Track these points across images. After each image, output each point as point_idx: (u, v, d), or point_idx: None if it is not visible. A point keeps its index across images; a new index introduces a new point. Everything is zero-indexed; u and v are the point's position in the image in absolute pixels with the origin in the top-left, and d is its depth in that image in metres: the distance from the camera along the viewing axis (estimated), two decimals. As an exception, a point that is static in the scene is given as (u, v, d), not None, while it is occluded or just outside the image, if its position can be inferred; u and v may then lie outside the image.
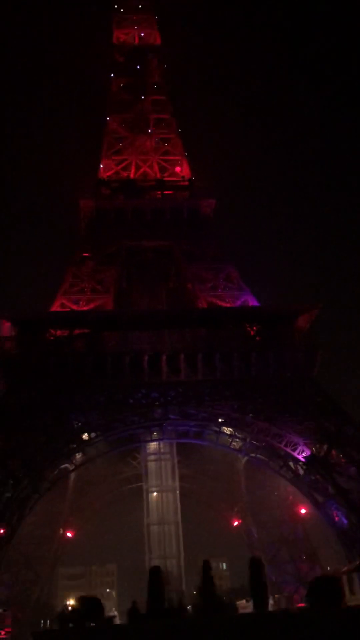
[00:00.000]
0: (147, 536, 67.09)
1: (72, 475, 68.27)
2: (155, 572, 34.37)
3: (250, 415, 56.82)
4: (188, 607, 36.70)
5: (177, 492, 69.43)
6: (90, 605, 34.16)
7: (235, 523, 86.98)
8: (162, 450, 71.52)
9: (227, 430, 62.38)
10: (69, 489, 74.79)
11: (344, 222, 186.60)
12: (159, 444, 70.71)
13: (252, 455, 61.61)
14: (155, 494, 69.33)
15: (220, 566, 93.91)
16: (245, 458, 75.32)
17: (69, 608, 36.45)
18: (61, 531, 77.84)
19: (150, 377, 58.21)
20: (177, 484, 69.91)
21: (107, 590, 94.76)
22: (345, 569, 48.15)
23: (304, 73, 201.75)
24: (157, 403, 57.68)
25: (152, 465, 71.14)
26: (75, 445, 58.66)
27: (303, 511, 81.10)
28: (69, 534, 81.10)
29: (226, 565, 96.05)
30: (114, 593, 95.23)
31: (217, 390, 57.99)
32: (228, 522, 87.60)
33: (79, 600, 33.95)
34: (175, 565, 64.97)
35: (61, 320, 61.78)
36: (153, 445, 71.23)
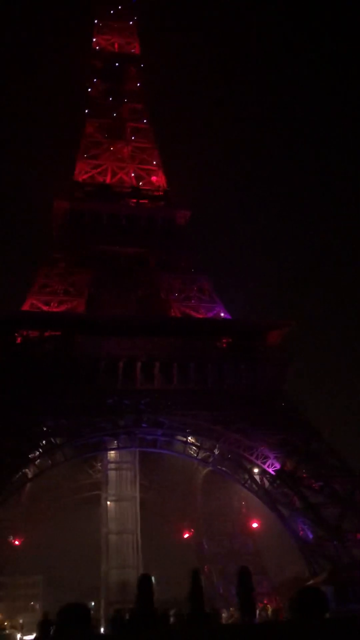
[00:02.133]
0: (106, 546, 65.87)
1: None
2: (145, 579, 33.74)
3: (221, 426, 56.98)
4: (171, 617, 36.23)
5: (138, 501, 68.60)
6: (76, 614, 33.04)
7: (186, 535, 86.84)
8: (123, 458, 70.74)
9: (195, 440, 62.36)
10: (24, 495, 72.77)
11: (317, 237, 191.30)
12: (118, 453, 69.94)
13: (218, 467, 61.70)
14: (114, 502, 68.24)
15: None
16: (206, 470, 75.73)
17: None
18: (11, 538, 75.56)
19: (124, 383, 57.71)
20: (137, 493, 69.10)
21: (31, 603, 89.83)
22: (311, 582, 48.80)
23: (283, 84, 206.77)
24: (129, 410, 57.05)
25: (112, 474, 70.03)
26: (41, 450, 57.27)
27: (255, 525, 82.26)
28: (16, 542, 78.75)
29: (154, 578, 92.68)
30: (37, 606, 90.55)
31: (190, 399, 58.05)
32: (180, 533, 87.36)
33: (62, 609, 32.78)
34: (135, 575, 63.95)
35: (35, 320, 60.52)
36: (113, 454, 70.32)
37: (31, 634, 67.11)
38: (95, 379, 57.44)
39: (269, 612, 60.16)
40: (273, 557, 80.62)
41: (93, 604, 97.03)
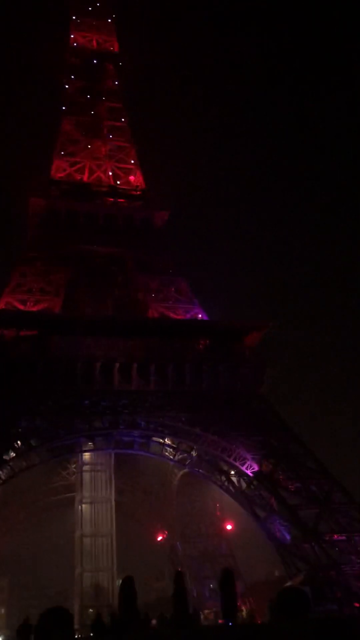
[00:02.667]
0: (80, 549, 65.07)
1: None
2: (128, 582, 33.27)
3: (200, 428, 56.68)
4: (153, 620, 35.83)
5: (113, 503, 67.96)
6: (56, 618, 32.38)
7: (160, 537, 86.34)
8: (98, 460, 70.03)
9: (172, 442, 61.92)
10: (-5, 498, 71.40)
11: (297, 238, 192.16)
12: (93, 455, 69.20)
13: (195, 469, 61.42)
14: (89, 505, 67.45)
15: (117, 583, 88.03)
16: (181, 472, 75.38)
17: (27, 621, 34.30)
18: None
19: (101, 384, 56.99)
20: (112, 495, 68.47)
21: None
22: (289, 583, 48.86)
23: (263, 81, 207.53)
24: (107, 412, 56.36)
25: (87, 476, 69.26)
26: (15, 452, 56.10)
27: (229, 527, 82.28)
28: (-13, 545, 77.33)
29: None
30: (2, 610, 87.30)
31: (168, 401, 57.65)
32: (153, 536, 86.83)
33: (44, 612, 32.16)
34: (109, 578, 63.38)
35: (11, 319, 59.32)
36: (88, 456, 69.53)
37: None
38: (72, 380, 56.54)
39: (244, 613, 60.26)
40: (244, 558, 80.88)
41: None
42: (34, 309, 64.05)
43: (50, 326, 59.82)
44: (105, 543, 65.67)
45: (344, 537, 50.79)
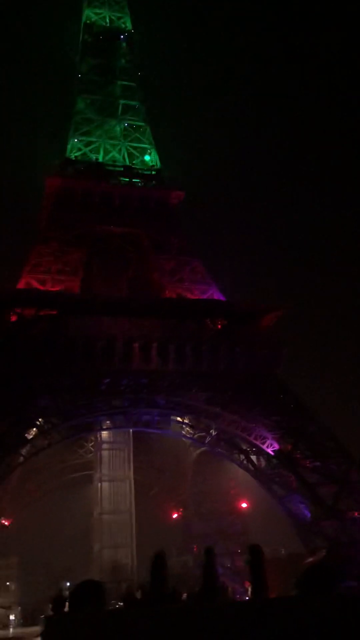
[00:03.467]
0: (99, 526, 66.12)
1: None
2: (160, 556, 33.59)
3: (219, 407, 57.17)
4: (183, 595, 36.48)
5: (132, 481, 68.88)
6: (90, 590, 32.97)
7: (175, 515, 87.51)
8: (116, 439, 70.83)
9: (190, 421, 62.53)
10: (12, 475, 72.21)
11: (314, 220, 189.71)
12: (111, 433, 69.93)
13: (214, 448, 62.09)
14: (108, 483, 68.40)
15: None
16: (197, 451, 76.19)
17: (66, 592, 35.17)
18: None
19: (121, 364, 57.36)
20: (131, 473, 69.40)
21: (7, 583, 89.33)
22: (310, 560, 49.59)
23: (282, 62, 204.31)
24: (127, 390, 56.85)
25: (105, 454, 70.16)
26: (37, 430, 56.87)
27: (244, 505, 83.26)
28: (5, 522, 78.47)
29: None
30: (13, 586, 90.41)
31: (187, 381, 58.07)
32: (168, 513, 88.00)
33: (79, 584, 32.76)
34: (128, 555, 64.49)
35: (33, 299, 59.58)
36: (106, 434, 70.27)
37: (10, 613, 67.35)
38: (92, 359, 56.92)
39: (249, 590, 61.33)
40: (259, 536, 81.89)
41: (68, 584, 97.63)
42: (53, 289, 64.24)
43: (70, 306, 60.07)
44: (125, 520, 66.73)
45: (362, 515, 51.49)
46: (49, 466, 79.15)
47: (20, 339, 56.42)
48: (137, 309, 60.37)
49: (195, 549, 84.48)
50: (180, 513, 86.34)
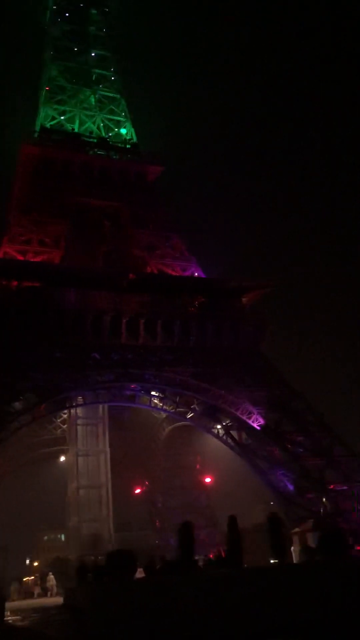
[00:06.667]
0: (76, 500, 65.86)
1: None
2: (187, 526, 34.26)
3: (207, 383, 57.83)
4: (199, 563, 37.20)
5: (108, 455, 68.84)
6: (121, 558, 33.39)
7: (138, 490, 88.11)
8: (90, 414, 70.46)
9: (173, 396, 62.80)
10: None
11: (297, 196, 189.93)
12: (85, 408, 69.31)
13: (196, 422, 62.83)
14: (83, 457, 68.09)
15: (59, 537, 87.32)
16: (170, 427, 76.92)
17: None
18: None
19: (109, 338, 56.93)
20: (107, 447, 69.31)
21: None
22: (297, 529, 51.37)
23: (265, 31, 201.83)
24: (116, 365, 56.50)
25: (80, 429, 69.70)
26: (22, 406, 55.60)
27: (208, 480, 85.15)
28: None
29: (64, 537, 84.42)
30: None
31: (174, 356, 58.34)
32: (131, 489, 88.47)
33: (110, 554, 33.30)
34: (105, 528, 64.69)
35: (15, 269, 57.84)
36: (80, 409, 69.62)
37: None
38: (79, 333, 56.17)
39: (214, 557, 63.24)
40: (224, 511, 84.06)
41: (28, 561, 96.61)
42: (35, 260, 62.63)
43: (54, 278, 58.76)
44: (100, 494, 66.78)
45: (345, 488, 53.68)
46: (19, 441, 77.59)
47: (7, 310, 54.81)
48: (124, 284, 59.82)
49: (157, 523, 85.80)
50: (144, 488, 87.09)
